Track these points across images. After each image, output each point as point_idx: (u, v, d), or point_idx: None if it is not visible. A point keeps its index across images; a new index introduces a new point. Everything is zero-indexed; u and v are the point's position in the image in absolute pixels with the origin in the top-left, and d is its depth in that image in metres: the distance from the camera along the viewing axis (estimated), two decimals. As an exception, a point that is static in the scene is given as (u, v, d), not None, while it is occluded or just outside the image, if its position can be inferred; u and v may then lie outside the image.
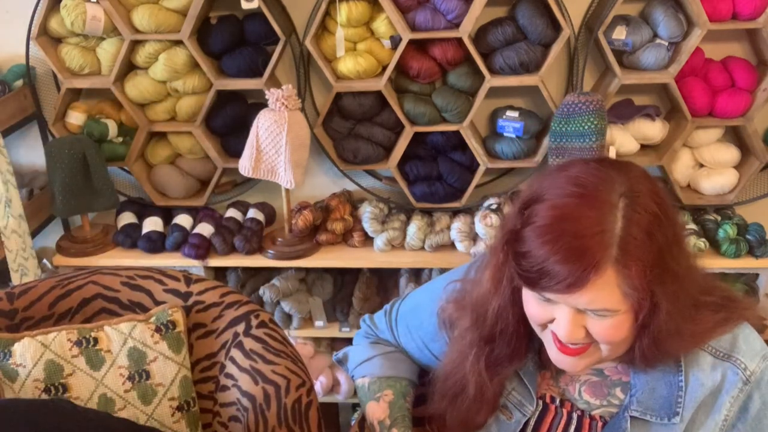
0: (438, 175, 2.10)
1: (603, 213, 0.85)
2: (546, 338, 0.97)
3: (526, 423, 1.05)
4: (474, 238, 2.03)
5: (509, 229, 0.93)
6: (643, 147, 2.06)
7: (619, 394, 1.00)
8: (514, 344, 1.01)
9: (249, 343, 1.36)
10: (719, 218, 2.06)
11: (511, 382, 1.06)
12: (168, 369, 1.37)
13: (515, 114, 2.02)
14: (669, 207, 0.89)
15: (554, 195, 0.89)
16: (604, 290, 0.85)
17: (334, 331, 2.16)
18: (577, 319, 0.89)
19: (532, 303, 0.94)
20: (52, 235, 2.21)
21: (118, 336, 1.37)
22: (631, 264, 0.84)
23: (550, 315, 0.92)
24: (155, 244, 2.07)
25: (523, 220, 0.91)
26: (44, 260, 2.10)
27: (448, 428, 1.10)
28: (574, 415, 1.02)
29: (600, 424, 1.00)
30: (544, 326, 0.95)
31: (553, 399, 1.05)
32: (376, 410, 1.17)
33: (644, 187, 0.88)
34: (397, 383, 1.19)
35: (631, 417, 0.96)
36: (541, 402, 1.05)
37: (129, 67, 2.07)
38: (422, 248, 2.06)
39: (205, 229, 2.09)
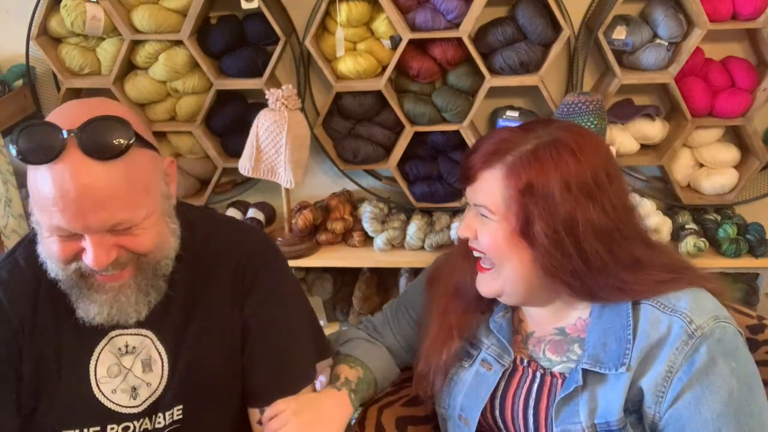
0: (438, 175, 2.10)
1: (521, 132, 1.02)
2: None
3: (498, 382, 1.11)
4: (474, 238, 2.03)
5: None
6: (643, 147, 2.06)
7: (577, 350, 1.06)
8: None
9: (250, 343, 1.36)
10: (719, 218, 2.06)
11: (489, 339, 1.14)
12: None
13: (515, 114, 2.02)
14: (591, 167, 0.97)
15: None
16: (488, 186, 1.01)
17: (334, 331, 2.16)
18: (472, 218, 1.05)
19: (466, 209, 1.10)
20: (52, 235, 2.21)
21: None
22: (514, 176, 0.98)
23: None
24: (155, 243, 2.07)
25: None
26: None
27: (422, 368, 1.17)
28: (538, 374, 1.08)
29: (560, 380, 1.06)
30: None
31: (522, 360, 1.11)
32: (348, 371, 1.21)
33: (572, 140, 0.99)
34: (368, 371, 1.22)
35: (583, 369, 1.01)
36: (512, 363, 1.12)
37: (129, 67, 2.07)
38: (422, 248, 2.06)
39: (205, 228, 2.09)
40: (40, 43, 1.96)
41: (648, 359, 0.97)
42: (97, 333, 1.03)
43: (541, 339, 1.10)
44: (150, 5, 1.93)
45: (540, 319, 1.11)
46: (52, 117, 0.92)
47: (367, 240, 2.11)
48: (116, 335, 1.05)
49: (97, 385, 1.04)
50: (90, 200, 0.87)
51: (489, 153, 1.00)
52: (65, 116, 0.90)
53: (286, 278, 1.16)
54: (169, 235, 1.00)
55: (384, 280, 2.25)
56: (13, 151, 0.88)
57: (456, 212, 2.14)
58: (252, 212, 2.16)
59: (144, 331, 1.05)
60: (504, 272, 1.03)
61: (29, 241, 1.05)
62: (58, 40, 2.03)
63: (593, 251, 0.97)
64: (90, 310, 0.98)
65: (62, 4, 1.91)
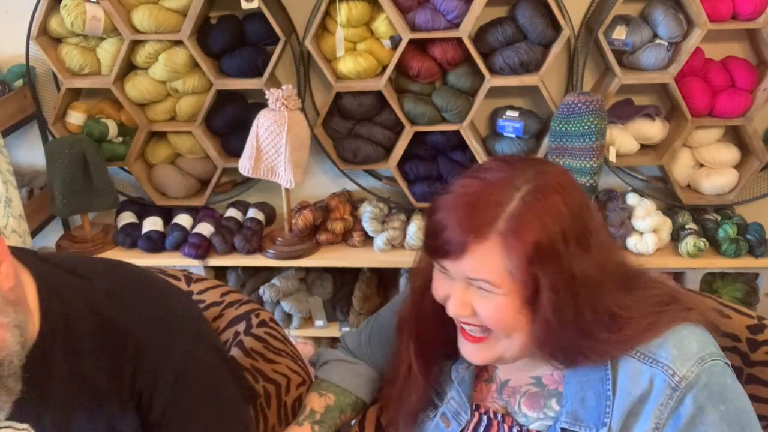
0: (438, 175, 2.10)
1: (502, 190, 0.89)
2: (458, 331, 1.00)
3: None
4: (474, 237, 2.03)
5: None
6: (643, 147, 2.06)
7: (555, 406, 0.99)
8: (437, 328, 1.03)
9: (249, 342, 1.35)
10: (719, 218, 2.06)
11: (451, 390, 1.08)
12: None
13: (515, 114, 2.02)
14: (577, 207, 0.89)
15: (466, 174, 0.95)
16: (487, 259, 0.88)
17: (334, 331, 2.16)
18: (465, 293, 0.92)
19: (436, 277, 0.97)
20: (52, 234, 2.21)
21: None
22: (516, 243, 0.86)
23: (448, 291, 0.94)
24: (155, 243, 2.07)
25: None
26: (44, 260, 2.10)
27: (390, 415, 1.13)
28: (514, 430, 1.01)
29: None
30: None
31: (495, 414, 1.04)
32: (315, 401, 1.18)
33: (554, 181, 0.90)
34: (343, 395, 1.19)
35: (561, 429, 0.94)
36: (485, 417, 1.05)
37: (129, 67, 2.07)
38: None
39: (205, 228, 2.09)
40: (40, 43, 1.96)
41: (632, 416, 0.90)
42: None
43: (516, 389, 1.03)
44: (150, 5, 1.93)
45: (515, 367, 1.04)
46: None
47: (367, 240, 2.11)
48: None
49: None
50: None
51: (473, 227, 0.88)
52: None
53: (191, 345, 1.00)
54: (2, 332, 0.84)
55: (384, 280, 2.25)
56: None
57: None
58: (252, 212, 2.17)
59: (23, 426, 0.92)
60: (504, 342, 0.94)
61: None
62: (58, 40, 2.03)
63: (580, 314, 0.89)
64: None
65: (62, 4, 1.91)
